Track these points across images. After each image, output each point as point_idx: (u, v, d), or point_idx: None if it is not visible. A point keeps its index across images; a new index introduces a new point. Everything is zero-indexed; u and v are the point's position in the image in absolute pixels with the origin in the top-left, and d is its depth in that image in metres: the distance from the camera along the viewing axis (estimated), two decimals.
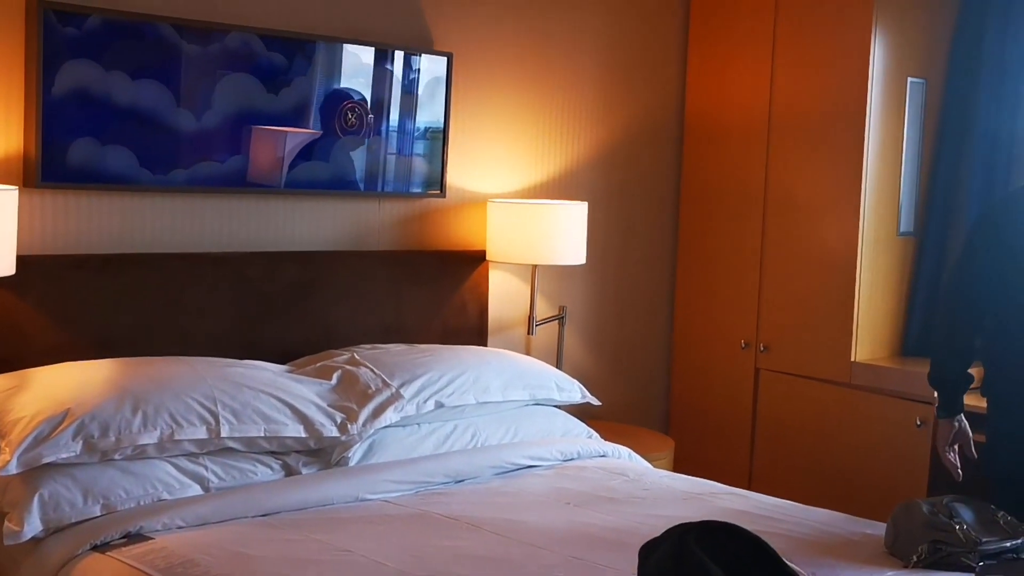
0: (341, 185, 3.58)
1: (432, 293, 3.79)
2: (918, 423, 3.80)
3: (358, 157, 3.60)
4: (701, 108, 4.48)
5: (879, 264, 4.06)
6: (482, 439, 3.28)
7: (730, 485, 3.23)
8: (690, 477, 3.27)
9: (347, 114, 3.55)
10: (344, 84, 3.55)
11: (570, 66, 4.21)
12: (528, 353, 4.02)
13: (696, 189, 4.52)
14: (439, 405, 3.18)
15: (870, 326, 4.05)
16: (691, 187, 4.54)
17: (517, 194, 4.07)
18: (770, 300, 4.27)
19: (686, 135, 4.55)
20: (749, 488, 4.27)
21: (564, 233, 3.84)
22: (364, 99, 3.59)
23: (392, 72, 3.66)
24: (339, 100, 3.53)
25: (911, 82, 4.06)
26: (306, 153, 3.48)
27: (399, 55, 3.66)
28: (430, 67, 3.74)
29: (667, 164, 4.56)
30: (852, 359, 4.01)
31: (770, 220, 4.26)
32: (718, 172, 4.43)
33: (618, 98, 4.38)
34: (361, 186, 3.62)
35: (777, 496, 3.13)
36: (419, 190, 3.79)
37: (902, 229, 4.13)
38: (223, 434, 2.78)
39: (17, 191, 2.78)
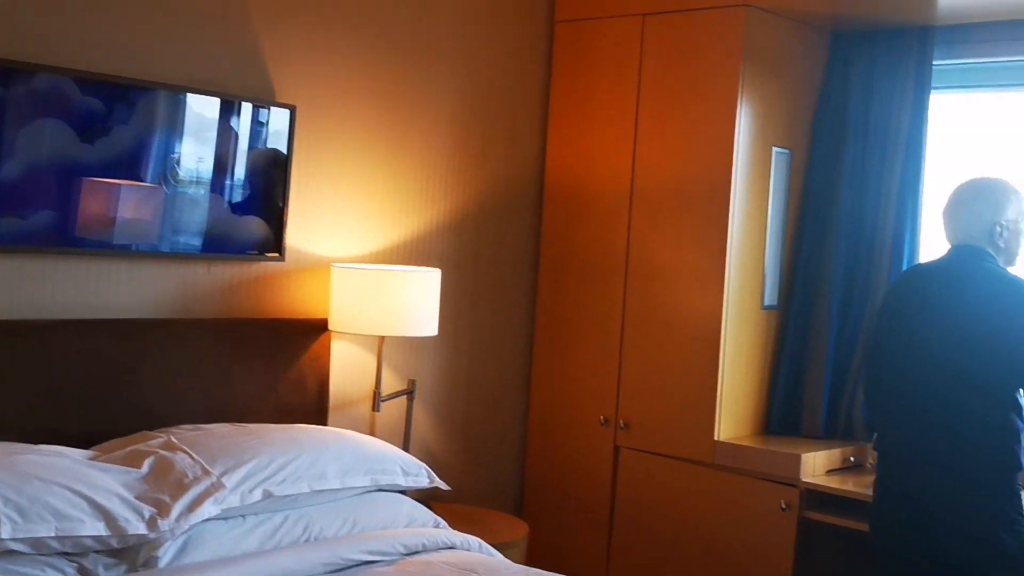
0: (164, 245, 3.18)
1: (266, 366, 3.41)
2: (783, 507, 3.57)
3: (184, 214, 3.21)
4: (562, 175, 4.23)
5: (743, 338, 3.85)
6: (316, 532, 2.89)
7: (587, 569, 2.91)
8: (546, 573, 2.94)
9: (173, 168, 3.17)
10: (173, 135, 3.17)
11: (425, 125, 3.91)
12: (372, 432, 3.66)
13: (555, 258, 4.25)
14: (267, 495, 2.80)
15: (734, 403, 3.83)
16: (550, 256, 4.27)
17: (364, 259, 3.73)
18: (631, 375, 4.01)
19: (546, 202, 4.28)
20: (607, 573, 4.00)
21: (415, 301, 3.51)
22: (194, 152, 3.21)
23: (228, 124, 3.29)
24: (164, 153, 3.15)
25: (776, 152, 3.89)
26: (127, 209, 3.08)
27: (238, 106, 3.30)
28: (271, 120, 3.39)
29: (526, 231, 4.29)
30: (716, 437, 3.77)
31: (632, 292, 4.02)
32: (578, 242, 4.17)
33: (475, 161, 4.09)
34: (186, 247, 3.23)
35: None
36: (254, 252, 3.41)
37: (766, 302, 3.93)
38: (3, 535, 2.34)
39: None
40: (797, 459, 3.57)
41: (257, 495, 2.77)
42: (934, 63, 3.79)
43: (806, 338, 3.94)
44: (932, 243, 3.83)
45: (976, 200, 3.05)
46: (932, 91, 3.79)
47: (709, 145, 3.80)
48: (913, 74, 3.80)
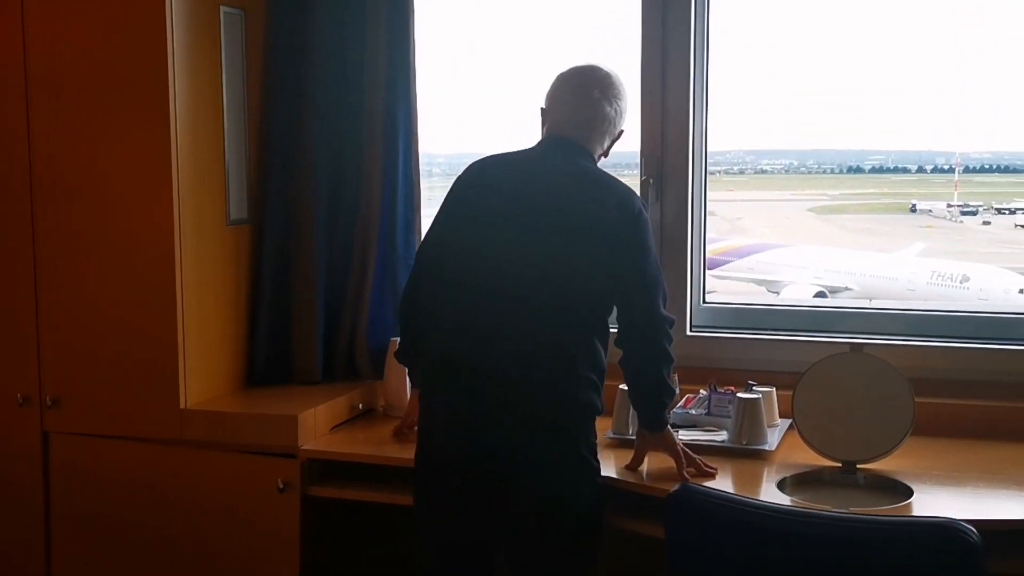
0: None
1: None
2: (280, 487, 2.61)
3: None
4: None
5: (206, 266, 2.79)
6: None
7: None
8: None
9: None
10: None
11: None
12: None
13: None
14: None
15: (202, 353, 2.77)
16: None
17: None
18: (55, 334, 2.80)
19: None
20: None
21: None
22: None
23: None
24: None
25: (225, 12, 2.81)
26: None
27: None
28: None
29: None
30: (182, 404, 2.71)
31: (42, 218, 2.79)
32: None
33: None
34: None
35: None
36: None
37: (232, 215, 2.89)
38: None
39: None
40: (293, 421, 2.62)
41: None
42: None
43: (289, 257, 2.96)
44: (433, 131, 3.02)
45: (591, 87, 2.35)
46: None
47: (129, 5, 2.65)
48: None
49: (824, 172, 9.99)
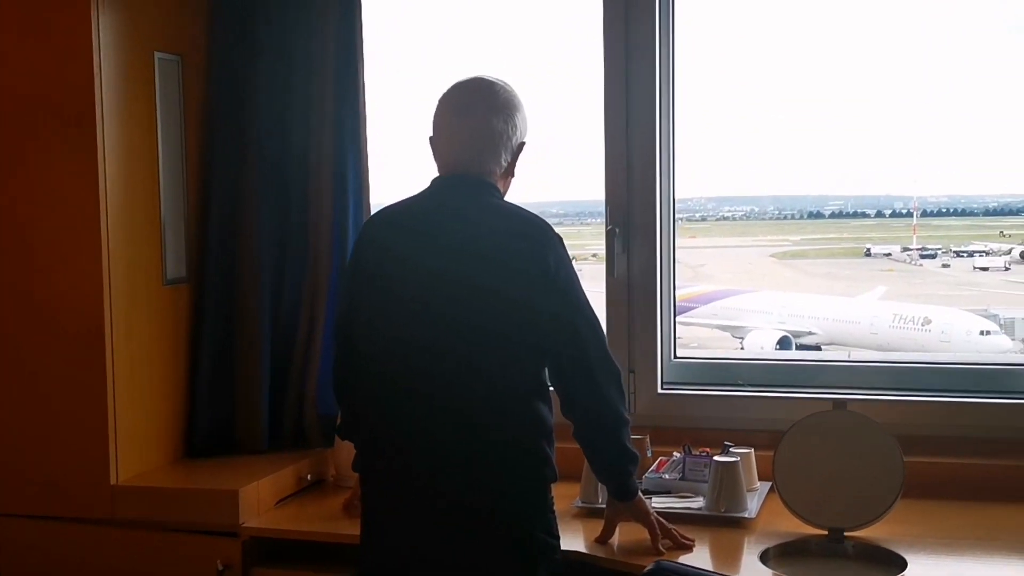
0: None
1: None
2: (219, 568, 2.37)
3: None
4: None
5: (140, 328, 2.56)
6: None
7: None
8: None
9: None
10: None
11: None
12: None
13: None
14: None
15: (137, 423, 2.54)
16: None
17: None
18: None
19: None
20: None
21: None
22: None
23: None
24: None
25: (160, 59, 2.62)
26: None
27: None
28: None
29: None
30: (113, 480, 2.47)
31: None
32: None
33: None
34: None
35: None
36: None
37: (169, 274, 2.67)
38: None
39: None
40: (234, 496, 2.39)
41: None
42: None
43: (231, 317, 2.73)
44: (386, 179, 2.82)
45: (475, 109, 2.04)
46: None
47: (57, 51, 2.44)
48: None
49: (785, 218, 10.02)
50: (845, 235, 9.85)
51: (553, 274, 1.96)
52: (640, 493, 2.18)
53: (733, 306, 8.69)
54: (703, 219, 9.31)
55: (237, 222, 2.73)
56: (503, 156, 2.04)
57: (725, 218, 9.62)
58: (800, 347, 7.63)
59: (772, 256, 10.42)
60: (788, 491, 2.29)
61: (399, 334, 1.98)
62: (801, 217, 9.97)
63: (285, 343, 2.76)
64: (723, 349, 8.16)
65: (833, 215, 9.78)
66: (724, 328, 8.32)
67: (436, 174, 2.08)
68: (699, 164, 3.94)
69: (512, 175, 2.11)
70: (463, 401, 1.94)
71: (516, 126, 2.06)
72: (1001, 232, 8.64)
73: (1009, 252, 8.47)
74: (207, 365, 2.70)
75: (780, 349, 7.56)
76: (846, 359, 2.99)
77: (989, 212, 8.46)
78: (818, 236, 10.00)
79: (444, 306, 1.95)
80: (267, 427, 2.72)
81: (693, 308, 8.26)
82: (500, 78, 2.09)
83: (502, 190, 2.08)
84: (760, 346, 7.76)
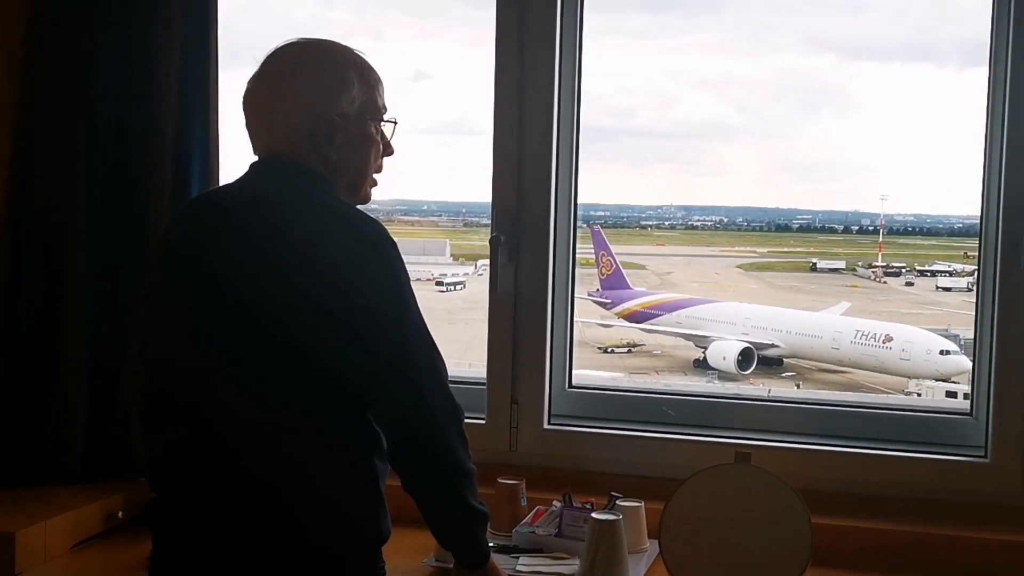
0: None
1: None
2: None
3: None
4: None
5: None
6: None
7: None
8: None
9: None
10: None
11: None
12: None
13: None
14: None
15: None
16: None
17: None
18: None
19: None
20: None
21: None
22: None
23: None
24: None
25: None
26: None
27: None
28: None
29: None
30: None
31: None
32: None
33: None
34: None
35: None
36: None
37: None
38: None
39: None
40: (9, 541, 1.94)
41: None
42: None
43: (48, 329, 2.28)
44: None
45: (288, 79, 1.63)
46: None
47: None
48: None
49: (753, 230, 9.85)
50: (812, 249, 9.64)
51: (383, 278, 1.55)
52: (494, 556, 1.76)
53: (698, 315, 8.50)
54: (672, 227, 9.13)
55: (59, 221, 2.27)
56: (321, 142, 1.62)
57: (693, 227, 9.43)
58: (762, 359, 7.46)
59: (738, 267, 10.22)
60: (674, 557, 1.88)
61: (198, 348, 1.56)
62: (769, 230, 9.80)
63: (110, 357, 2.29)
64: (685, 357, 7.93)
65: (801, 229, 9.61)
66: (688, 337, 8.10)
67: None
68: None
69: (389, 152, 1.71)
70: (272, 448, 1.53)
71: (336, 102, 1.63)
72: (965, 253, 8.42)
73: (972, 273, 8.28)
74: (16, 380, 2.25)
75: (742, 360, 7.39)
76: (764, 397, 2.58)
77: (954, 232, 8.23)
78: (785, 249, 9.82)
79: (252, 330, 1.52)
80: (83, 451, 2.27)
81: (658, 316, 8.10)
82: (312, 38, 1.67)
83: (331, 176, 1.65)
84: (723, 356, 7.56)
